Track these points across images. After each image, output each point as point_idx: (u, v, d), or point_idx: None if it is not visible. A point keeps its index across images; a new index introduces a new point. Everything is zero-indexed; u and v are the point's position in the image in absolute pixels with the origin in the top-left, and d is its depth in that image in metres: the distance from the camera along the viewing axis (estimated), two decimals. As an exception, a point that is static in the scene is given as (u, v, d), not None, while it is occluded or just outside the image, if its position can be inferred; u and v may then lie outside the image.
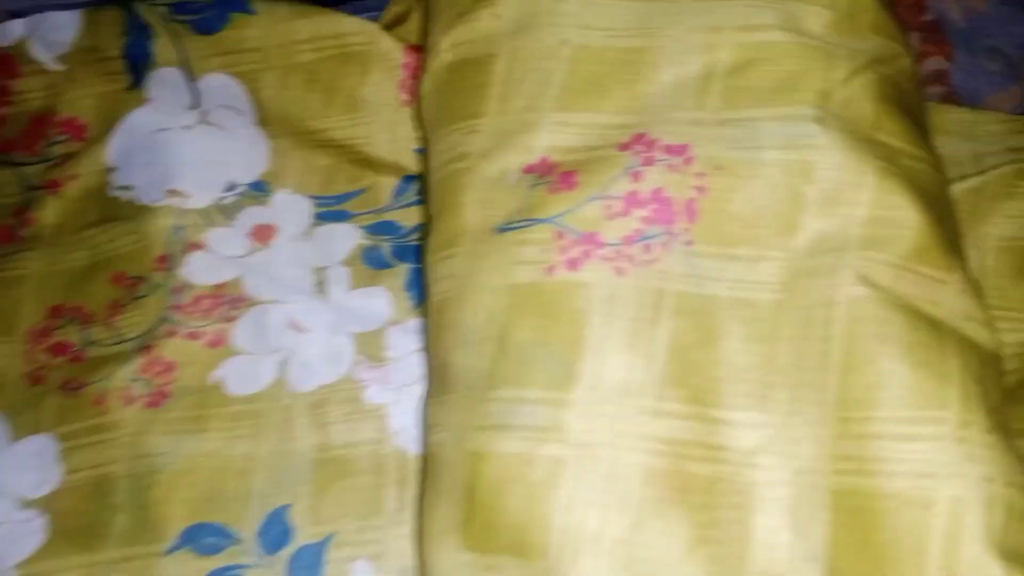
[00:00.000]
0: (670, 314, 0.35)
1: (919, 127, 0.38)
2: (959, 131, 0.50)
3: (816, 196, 0.35)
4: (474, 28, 0.41)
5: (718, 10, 0.38)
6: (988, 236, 0.47)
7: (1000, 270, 0.46)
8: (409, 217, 0.50)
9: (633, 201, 0.37)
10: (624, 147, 0.38)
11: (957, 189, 0.47)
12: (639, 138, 0.38)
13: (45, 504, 0.43)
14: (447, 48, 0.42)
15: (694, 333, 0.35)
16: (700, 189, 0.36)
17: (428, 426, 0.40)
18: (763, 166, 0.36)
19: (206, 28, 0.50)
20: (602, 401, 0.35)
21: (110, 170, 0.50)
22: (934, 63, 0.56)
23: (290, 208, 0.49)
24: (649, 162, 0.37)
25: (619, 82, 0.39)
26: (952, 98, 0.56)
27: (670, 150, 0.37)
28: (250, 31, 0.50)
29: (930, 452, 0.32)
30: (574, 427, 0.35)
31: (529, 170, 0.39)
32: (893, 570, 0.32)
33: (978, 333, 0.35)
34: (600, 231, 0.37)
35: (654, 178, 0.37)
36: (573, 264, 0.36)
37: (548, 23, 0.40)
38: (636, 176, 0.37)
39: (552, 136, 0.39)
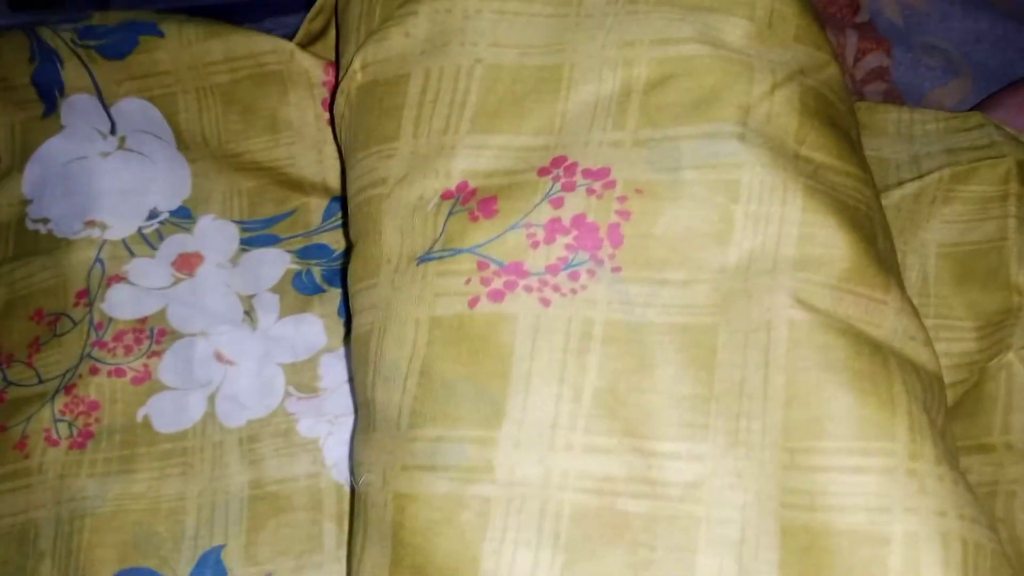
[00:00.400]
0: (600, 343, 0.34)
1: (846, 139, 0.37)
2: (897, 132, 0.49)
3: (743, 215, 0.34)
4: (385, 47, 0.40)
5: (633, 24, 0.37)
6: (928, 243, 0.46)
7: (941, 277, 0.45)
8: (340, 239, 0.48)
9: (556, 228, 0.35)
10: (544, 171, 0.36)
11: (896, 195, 0.46)
12: (558, 161, 0.36)
13: (-33, 555, 0.42)
14: (359, 68, 0.41)
15: (626, 362, 0.34)
16: (622, 213, 0.35)
17: (356, 464, 0.38)
18: (685, 186, 0.35)
19: (115, 53, 0.48)
20: (530, 437, 0.33)
21: (26, 202, 0.48)
22: (875, 59, 0.55)
23: (215, 234, 0.48)
24: (569, 187, 0.36)
25: (536, 102, 0.37)
26: (894, 94, 0.56)
27: (589, 174, 0.36)
28: (160, 54, 0.48)
29: (881, 485, 0.31)
30: (502, 465, 0.33)
31: (447, 196, 0.37)
32: None
33: (920, 354, 0.34)
34: (524, 260, 0.35)
35: (575, 204, 0.35)
36: (497, 296, 0.35)
37: (460, 41, 0.38)
38: (556, 202, 0.35)
39: (470, 160, 0.37)
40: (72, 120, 0.48)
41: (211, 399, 0.44)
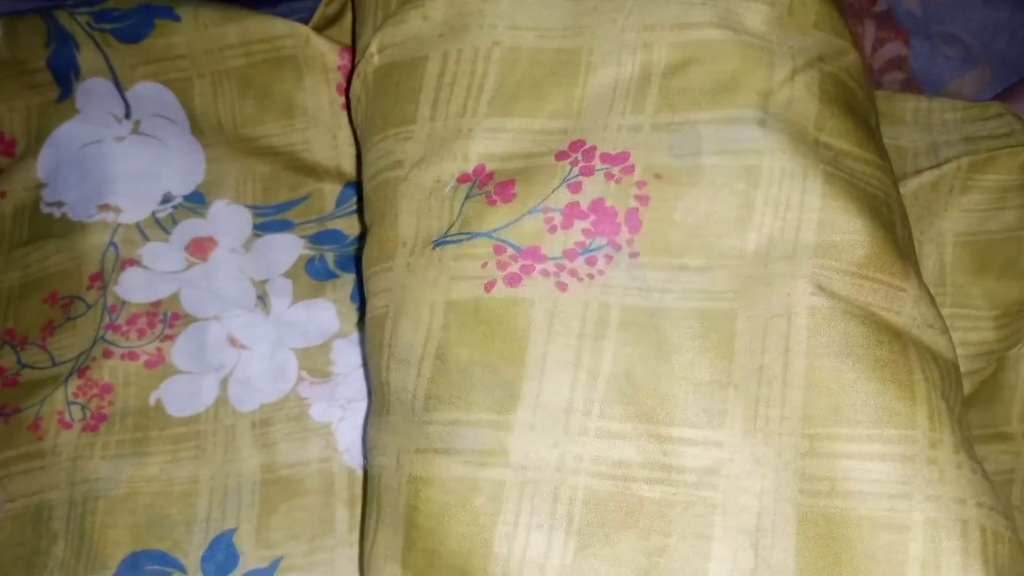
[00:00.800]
0: (616, 329, 0.34)
1: (865, 127, 0.36)
2: (915, 120, 0.49)
3: (763, 201, 0.34)
4: (402, 30, 0.40)
5: (652, 7, 0.37)
6: (946, 232, 0.46)
7: (958, 266, 0.45)
8: (353, 225, 0.48)
9: (573, 213, 0.35)
10: (562, 155, 0.36)
11: (913, 184, 0.46)
12: (576, 146, 0.36)
13: (-19, 536, 0.42)
14: (376, 51, 0.40)
15: (642, 347, 0.34)
16: (641, 198, 0.35)
17: (369, 448, 0.38)
18: (705, 172, 0.34)
19: (130, 36, 0.48)
20: (545, 422, 0.33)
21: (41, 186, 0.48)
22: (893, 49, 0.55)
23: (229, 219, 0.47)
24: (588, 171, 0.35)
25: (554, 85, 0.37)
26: (912, 84, 0.55)
27: (608, 159, 0.35)
28: (176, 38, 0.48)
29: (901, 472, 0.30)
30: (516, 449, 0.33)
31: (464, 179, 0.37)
32: None
33: (938, 342, 0.34)
34: (541, 245, 0.35)
35: (593, 189, 0.35)
36: (513, 280, 0.35)
37: (478, 24, 0.38)
38: (575, 187, 0.35)
39: (487, 143, 0.37)
40: (87, 104, 0.48)
41: (224, 383, 0.44)
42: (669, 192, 0.34)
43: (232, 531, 0.42)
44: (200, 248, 0.47)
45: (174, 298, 0.46)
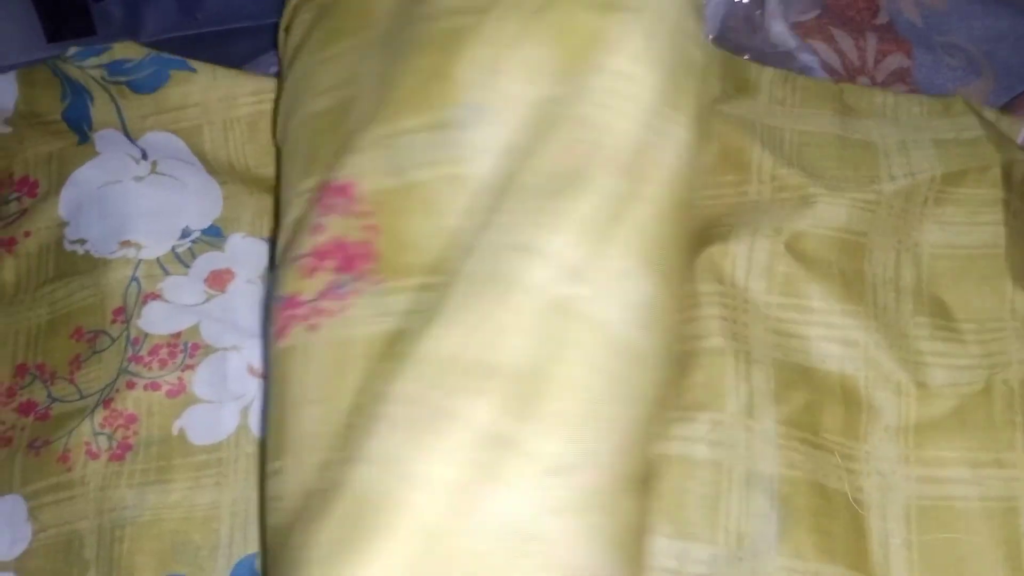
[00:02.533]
0: (355, 360, 0.34)
1: None
2: (883, 114, 0.49)
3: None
4: None
5: None
6: (923, 243, 0.45)
7: (936, 279, 0.45)
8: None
9: (321, 255, 0.36)
10: (313, 202, 0.37)
11: (888, 189, 0.46)
12: (322, 187, 0.37)
13: (17, 565, 0.44)
14: None
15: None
16: (371, 228, 0.35)
17: None
18: (417, 187, 0.35)
19: (146, 87, 0.50)
20: (301, 458, 0.35)
21: (63, 224, 0.50)
22: (895, 61, 0.55)
23: (246, 251, 0.49)
24: (326, 211, 0.36)
25: (328, 142, 0.39)
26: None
27: (338, 191, 0.36)
28: (191, 87, 0.50)
29: None
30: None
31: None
32: None
33: None
34: (300, 292, 0.36)
35: (331, 227, 0.36)
36: (281, 333, 0.36)
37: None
38: (317, 229, 0.36)
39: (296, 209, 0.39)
40: (105, 147, 0.50)
41: (244, 412, 0.46)
42: (392, 214, 0.35)
43: (254, 555, 0.43)
44: (218, 280, 0.48)
45: (194, 329, 0.47)
